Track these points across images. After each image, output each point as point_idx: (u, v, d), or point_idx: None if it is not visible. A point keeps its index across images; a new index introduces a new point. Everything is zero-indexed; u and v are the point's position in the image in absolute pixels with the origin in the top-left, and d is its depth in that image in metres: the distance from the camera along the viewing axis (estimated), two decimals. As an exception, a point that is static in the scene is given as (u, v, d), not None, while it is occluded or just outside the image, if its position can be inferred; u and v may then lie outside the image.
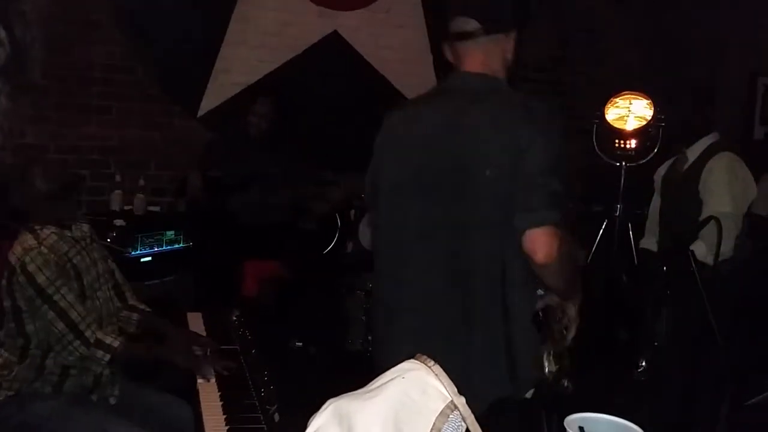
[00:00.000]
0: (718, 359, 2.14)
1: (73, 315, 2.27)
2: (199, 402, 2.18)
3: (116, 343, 2.31)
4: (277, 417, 2.01)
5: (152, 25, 4.41)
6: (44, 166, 2.47)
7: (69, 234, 2.41)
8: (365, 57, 5.09)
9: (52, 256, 2.29)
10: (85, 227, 2.53)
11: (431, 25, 5.16)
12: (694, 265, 2.10)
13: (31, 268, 2.25)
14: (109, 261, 2.62)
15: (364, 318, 4.13)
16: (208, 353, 2.44)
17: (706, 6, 5.74)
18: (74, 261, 2.37)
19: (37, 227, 2.34)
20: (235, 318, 2.72)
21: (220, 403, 2.17)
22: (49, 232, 2.34)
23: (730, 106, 6.09)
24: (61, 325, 2.26)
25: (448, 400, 0.88)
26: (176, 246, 4.16)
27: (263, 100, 4.12)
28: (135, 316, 2.63)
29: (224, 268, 3.98)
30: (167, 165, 4.56)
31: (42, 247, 2.29)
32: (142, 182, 4.36)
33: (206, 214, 4.02)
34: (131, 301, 2.66)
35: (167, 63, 4.50)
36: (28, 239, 2.31)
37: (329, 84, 4.85)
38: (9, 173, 2.43)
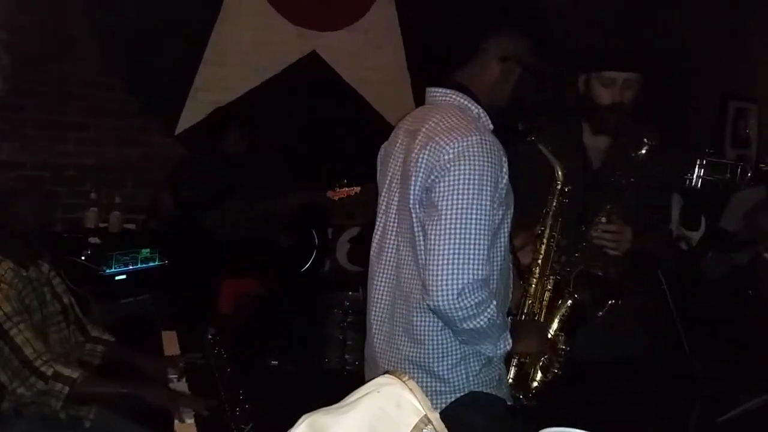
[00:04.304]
0: (689, 373, 2.18)
1: (28, 351, 2.17)
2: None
3: (76, 374, 2.20)
4: (252, 436, 2.00)
5: (131, 42, 4.41)
6: (29, 202, 2.41)
7: (24, 273, 2.32)
8: (344, 77, 5.12)
9: (12, 291, 2.22)
10: (45, 267, 2.45)
11: (409, 47, 5.21)
12: (663, 280, 2.14)
13: None
14: (67, 297, 2.51)
15: (341, 336, 4.12)
16: (186, 395, 2.32)
17: (678, 28, 5.87)
18: (26, 301, 2.29)
19: None
20: (210, 336, 2.70)
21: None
22: (7, 267, 2.26)
23: (700, 128, 6.22)
24: (16, 363, 2.17)
25: (422, 414, 0.89)
26: (151, 264, 4.13)
27: (235, 129, 4.04)
28: (99, 347, 2.54)
29: (200, 286, 3.95)
30: (144, 182, 4.54)
31: (1, 284, 2.21)
32: (118, 200, 4.33)
33: (181, 232, 4.00)
34: (93, 333, 2.57)
35: (146, 80, 4.49)
36: None
37: (307, 103, 4.87)
38: None
